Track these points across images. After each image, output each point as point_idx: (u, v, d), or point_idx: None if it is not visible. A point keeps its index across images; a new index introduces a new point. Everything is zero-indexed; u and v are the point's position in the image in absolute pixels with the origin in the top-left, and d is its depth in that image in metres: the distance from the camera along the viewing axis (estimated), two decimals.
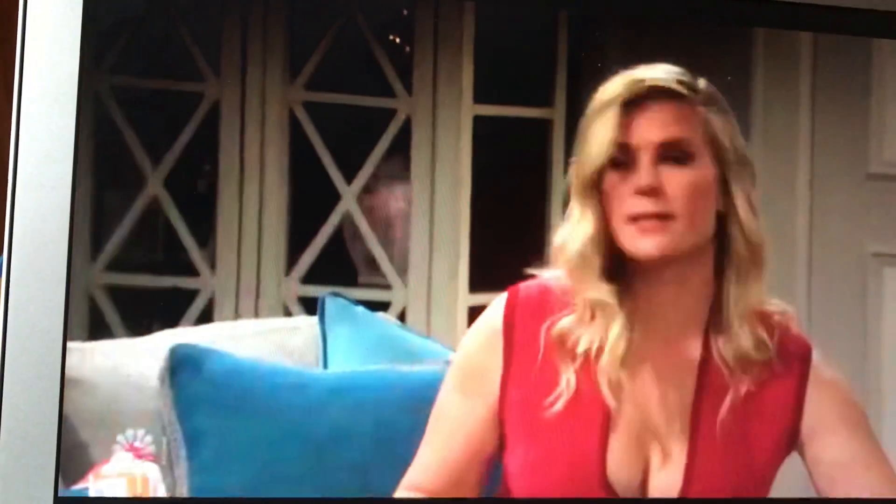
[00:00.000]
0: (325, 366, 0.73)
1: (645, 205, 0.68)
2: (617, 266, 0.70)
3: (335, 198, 0.72)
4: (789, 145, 0.77)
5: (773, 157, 0.77)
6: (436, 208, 0.72)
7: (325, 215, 0.72)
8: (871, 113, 0.78)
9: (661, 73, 0.70)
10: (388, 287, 0.73)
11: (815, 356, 0.73)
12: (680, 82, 0.70)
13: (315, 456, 0.69)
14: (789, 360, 0.72)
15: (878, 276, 0.78)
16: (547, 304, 0.70)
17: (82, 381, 0.67)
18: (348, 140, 0.72)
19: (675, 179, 0.68)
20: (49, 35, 0.65)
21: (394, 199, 0.73)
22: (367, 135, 0.72)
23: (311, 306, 0.72)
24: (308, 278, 0.72)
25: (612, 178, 0.69)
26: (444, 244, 0.72)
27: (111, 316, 0.68)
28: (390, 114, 0.73)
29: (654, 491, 0.69)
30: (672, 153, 0.69)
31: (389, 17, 0.73)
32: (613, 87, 0.69)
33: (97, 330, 0.68)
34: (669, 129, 0.69)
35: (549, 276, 0.71)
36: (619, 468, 0.69)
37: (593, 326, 0.69)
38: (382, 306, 0.73)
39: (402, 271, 0.73)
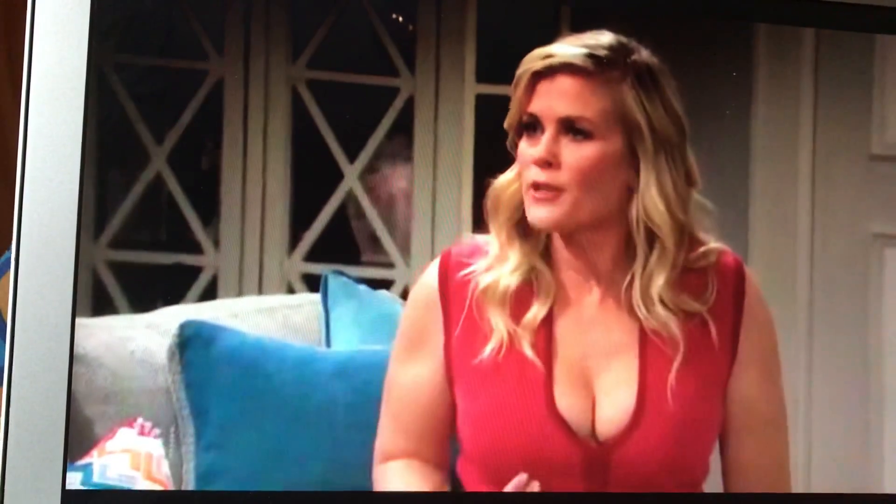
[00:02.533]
0: (328, 344, 0.74)
1: (539, 174, 0.70)
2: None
3: (338, 176, 0.72)
4: (791, 126, 0.77)
5: (775, 138, 0.77)
6: (438, 187, 0.73)
7: (328, 193, 0.72)
8: (872, 94, 0.78)
9: (572, 47, 0.70)
10: (390, 265, 0.73)
11: (749, 280, 0.73)
12: (590, 56, 0.70)
13: (321, 433, 0.70)
14: (726, 297, 0.73)
15: (880, 256, 0.78)
16: (477, 259, 0.72)
17: (87, 357, 0.68)
18: (351, 119, 0.73)
19: (573, 154, 0.70)
20: (58, 12, 0.65)
21: (396, 177, 0.73)
22: (370, 113, 0.73)
23: (314, 284, 0.73)
24: (311, 256, 0.72)
25: (523, 143, 0.71)
26: (446, 223, 0.73)
27: (115, 292, 0.69)
28: (393, 92, 0.73)
29: (606, 414, 0.70)
30: (573, 128, 0.70)
31: None
32: (528, 59, 0.71)
33: (101, 306, 0.68)
34: (572, 105, 0.70)
35: (482, 238, 0.72)
36: (567, 399, 0.70)
37: (510, 271, 0.71)
38: (385, 284, 0.73)
39: (405, 250, 0.73)
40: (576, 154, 0.70)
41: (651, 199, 0.70)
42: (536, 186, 0.70)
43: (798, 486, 0.74)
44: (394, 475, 0.70)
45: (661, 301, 0.71)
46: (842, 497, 0.75)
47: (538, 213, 0.70)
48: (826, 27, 0.77)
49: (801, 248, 0.77)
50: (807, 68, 0.77)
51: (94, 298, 0.68)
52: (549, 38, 0.72)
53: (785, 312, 0.76)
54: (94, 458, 0.67)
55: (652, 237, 0.71)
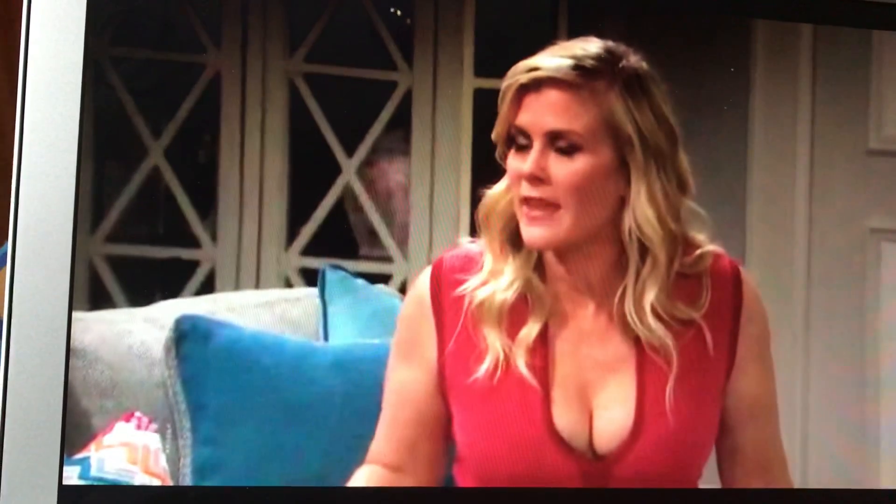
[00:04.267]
0: (326, 338, 0.74)
1: (530, 190, 0.69)
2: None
3: (336, 170, 0.72)
4: (789, 122, 0.77)
5: (773, 133, 0.77)
6: (436, 181, 0.73)
7: (326, 187, 0.72)
8: (870, 89, 0.78)
9: (558, 58, 0.69)
10: (388, 260, 0.73)
11: (746, 284, 0.73)
12: (576, 68, 0.69)
13: (318, 427, 0.70)
14: (721, 302, 0.72)
15: (878, 251, 0.78)
16: (470, 271, 0.71)
17: (84, 350, 0.67)
18: (349, 112, 0.73)
19: (562, 168, 0.69)
20: (55, 4, 0.65)
21: (394, 171, 0.73)
22: (368, 107, 0.73)
23: (311, 278, 0.73)
24: (308, 250, 0.72)
25: (511, 157, 0.70)
26: (444, 217, 0.73)
27: (112, 286, 0.69)
28: (391, 86, 0.73)
29: (605, 430, 0.70)
30: (560, 142, 0.69)
31: None
32: (514, 71, 0.69)
33: (98, 300, 0.68)
34: (559, 119, 0.69)
35: (474, 245, 0.71)
36: (565, 417, 0.70)
37: (505, 287, 0.70)
38: (383, 279, 0.73)
39: (403, 244, 0.73)
40: (565, 168, 0.69)
41: (642, 211, 0.69)
42: (528, 202, 0.69)
43: (794, 482, 0.74)
44: (358, 479, 0.69)
45: (655, 312, 0.70)
46: (838, 493, 0.75)
47: (533, 233, 0.69)
48: (824, 23, 0.77)
49: (798, 243, 0.77)
50: (804, 64, 0.77)
51: (91, 292, 0.68)
52: (547, 32, 0.72)
53: (782, 307, 0.76)
54: (92, 452, 0.67)
55: (645, 247, 0.70)
